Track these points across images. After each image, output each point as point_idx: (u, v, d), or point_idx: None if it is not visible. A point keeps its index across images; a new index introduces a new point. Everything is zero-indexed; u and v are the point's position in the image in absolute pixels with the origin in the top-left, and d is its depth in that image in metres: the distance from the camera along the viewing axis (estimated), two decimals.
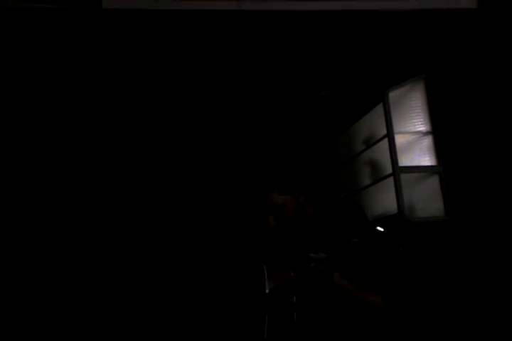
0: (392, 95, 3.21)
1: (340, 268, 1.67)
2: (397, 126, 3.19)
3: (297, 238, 1.89)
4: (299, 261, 1.74)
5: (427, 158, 3.19)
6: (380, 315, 1.78)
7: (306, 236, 1.88)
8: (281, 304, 1.70)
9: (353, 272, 1.69)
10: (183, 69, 3.30)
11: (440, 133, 3.19)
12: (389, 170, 3.16)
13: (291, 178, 1.94)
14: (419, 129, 3.24)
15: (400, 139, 3.17)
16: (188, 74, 3.36)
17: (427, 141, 3.22)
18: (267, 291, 1.71)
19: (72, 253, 3.30)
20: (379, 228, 1.84)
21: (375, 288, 1.76)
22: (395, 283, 1.79)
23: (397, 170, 3.09)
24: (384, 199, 3.19)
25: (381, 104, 3.22)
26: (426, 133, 3.23)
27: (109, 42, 2.93)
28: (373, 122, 3.40)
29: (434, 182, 3.15)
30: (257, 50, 3.15)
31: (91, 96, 3.36)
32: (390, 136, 3.14)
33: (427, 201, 3.13)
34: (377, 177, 3.34)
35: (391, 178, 3.12)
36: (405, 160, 3.15)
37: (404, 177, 3.10)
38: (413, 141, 3.23)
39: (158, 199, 3.53)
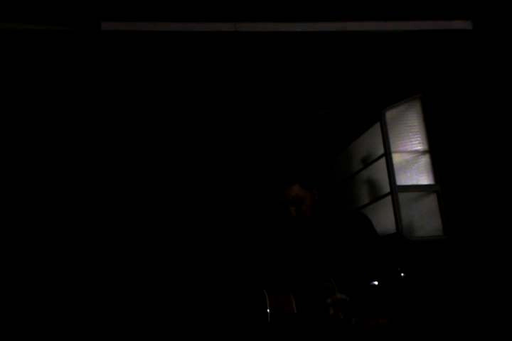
0: (389, 114, 3.23)
1: (357, 313, 1.58)
2: (394, 145, 3.20)
3: (302, 248, 1.80)
4: (302, 281, 1.65)
5: (425, 177, 3.19)
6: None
7: (310, 249, 1.80)
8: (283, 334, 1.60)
9: (367, 313, 1.60)
10: (181, 89, 3.32)
11: (437, 152, 3.20)
12: (387, 189, 3.16)
13: (312, 174, 1.89)
14: (416, 148, 3.25)
15: (397, 158, 3.18)
16: (187, 95, 3.39)
17: (425, 160, 3.23)
18: (269, 321, 1.57)
19: (71, 252, 3.29)
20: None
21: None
22: (399, 305, 1.74)
23: (395, 189, 3.09)
24: (382, 219, 3.18)
25: (378, 124, 3.24)
26: (423, 152, 3.24)
27: (108, 64, 2.96)
28: (371, 141, 3.42)
29: (432, 201, 3.15)
30: (255, 71, 3.18)
31: (91, 117, 3.38)
32: (387, 155, 3.15)
33: (425, 220, 3.12)
34: (375, 197, 3.35)
35: (389, 197, 3.12)
36: (403, 179, 3.15)
37: (402, 196, 3.10)
38: (410, 160, 3.24)
39: (161, 200, 3.55)
